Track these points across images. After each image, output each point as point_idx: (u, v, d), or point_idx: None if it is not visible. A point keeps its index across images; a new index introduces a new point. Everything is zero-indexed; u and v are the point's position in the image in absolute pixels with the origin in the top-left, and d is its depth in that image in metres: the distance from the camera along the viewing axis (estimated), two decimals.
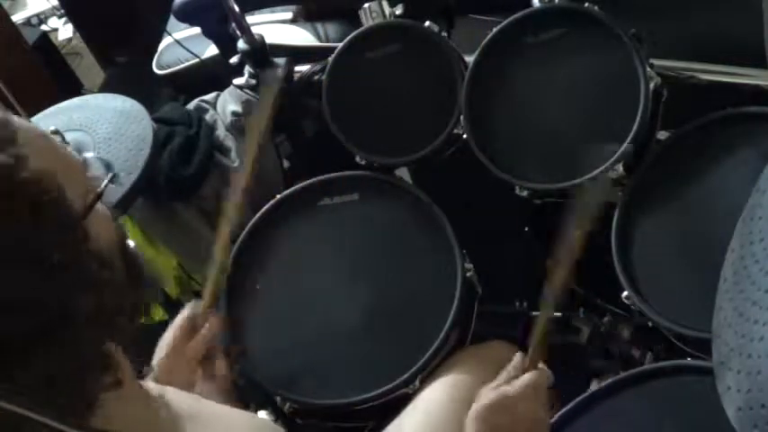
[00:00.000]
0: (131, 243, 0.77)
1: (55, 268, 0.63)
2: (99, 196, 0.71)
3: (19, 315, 0.61)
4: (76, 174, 0.71)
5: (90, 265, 0.66)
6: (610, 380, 1.19)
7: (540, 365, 1.11)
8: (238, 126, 1.96)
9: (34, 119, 1.53)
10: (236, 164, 1.96)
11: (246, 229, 1.56)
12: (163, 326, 1.98)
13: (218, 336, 1.23)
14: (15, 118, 0.68)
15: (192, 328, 1.21)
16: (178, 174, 1.88)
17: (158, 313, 1.98)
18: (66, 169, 0.69)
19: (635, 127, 1.36)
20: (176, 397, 0.84)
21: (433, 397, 1.28)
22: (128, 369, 0.75)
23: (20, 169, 0.63)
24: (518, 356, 1.09)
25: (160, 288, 0.83)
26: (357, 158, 1.59)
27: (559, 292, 1.08)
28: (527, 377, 1.05)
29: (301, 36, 2.14)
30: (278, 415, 1.40)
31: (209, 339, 1.22)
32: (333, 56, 1.61)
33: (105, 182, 0.74)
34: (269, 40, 1.81)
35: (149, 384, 0.84)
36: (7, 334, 0.60)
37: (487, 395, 1.03)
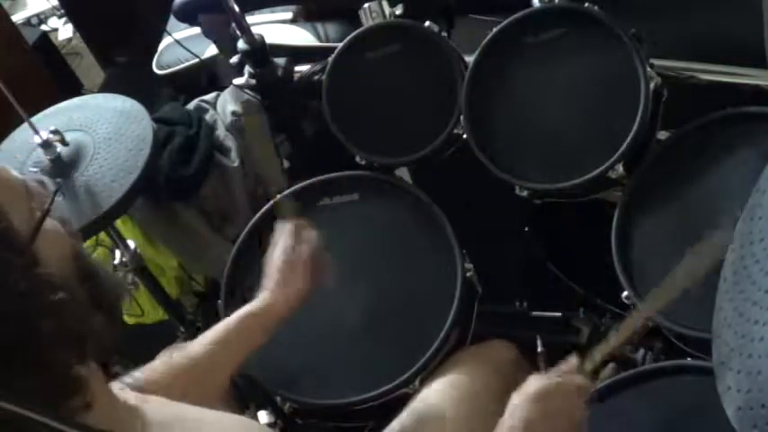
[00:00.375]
0: (85, 256, 0.75)
1: (8, 297, 0.62)
2: (44, 216, 0.69)
3: None
4: (19, 197, 0.69)
5: (43, 291, 0.64)
6: (610, 380, 1.19)
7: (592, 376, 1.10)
8: (238, 126, 1.96)
9: (34, 119, 1.53)
10: (235, 164, 1.96)
11: (246, 229, 1.56)
12: (163, 326, 1.99)
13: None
14: None
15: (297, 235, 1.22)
16: (178, 174, 1.88)
17: (159, 314, 1.99)
18: (6, 194, 0.67)
19: (635, 127, 1.36)
20: (159, 406, 0.84)
21: (433, 397, 1.28)
22: (100, 383, 0.74)
23: None
24: (574, 358, 1.09)
25: (126, 291, 0.81)
26: (357, 158, 1.60)
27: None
28: (579, 378, 1.04)
29: (301, 36, 2.14)
30: (278, 415, 1.40)
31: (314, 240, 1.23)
32: (333, 56, 1.61)
33: (51, 199, 0.72)
34: (269, 40, 1.81)
35: (128, 394, 0.83)
36: None
37: (539, 380, 1.02)
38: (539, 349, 1.38)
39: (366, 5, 1.62)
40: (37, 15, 3.46)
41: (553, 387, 1.00)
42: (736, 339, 0.57)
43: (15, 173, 0.71)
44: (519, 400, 0.99)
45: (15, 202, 0.67)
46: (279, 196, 1.39)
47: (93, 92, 2.89)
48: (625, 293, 1.30)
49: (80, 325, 0.67)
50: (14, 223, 0.65)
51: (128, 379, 0.89)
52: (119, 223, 1.85)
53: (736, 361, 0.57)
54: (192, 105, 2.07)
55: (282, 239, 1.22)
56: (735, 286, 0.61)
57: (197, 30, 2.03)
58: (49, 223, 0.70)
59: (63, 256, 0.70)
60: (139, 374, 1.04)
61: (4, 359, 0.62)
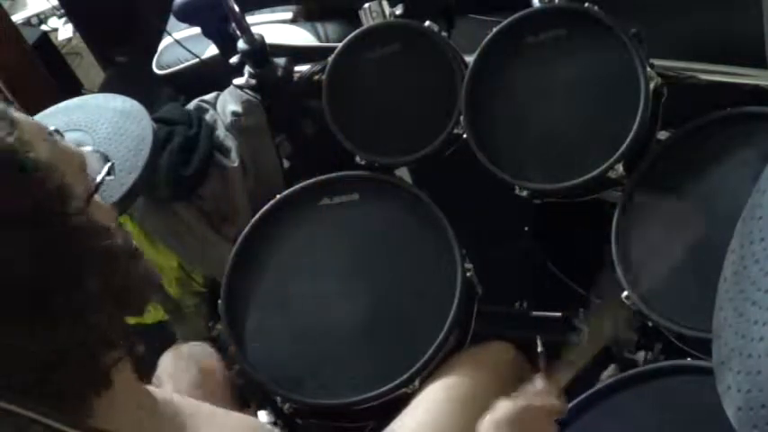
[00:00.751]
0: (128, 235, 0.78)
1: (63, 248, 0.65)
2: (97, 188, 0.72)
3: (17, 285, 0.61)
4: (75, 167, 0.72)
5: (98, 234, 0.68)
6: (610, 380, 1.19)
7: (560, 397, 1.11)
8: (238, 126, 1.96)
9: (34, 119, 1.53)
10: (235, 164, 1.95)
11: (246, 229, 1.56)
12: (163, 326, 1.99)
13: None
14: (15, 112, 0.69)
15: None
16: (178, 174, 1.88)
17: (159, 314, 1.99)
18: (66, 162, 0.70)
19: (635, 127, 1.36)
20: (178, 399, 0.84)
21: (433, 397, 1.28)
22: (127, 371, 0.75)
23: (24, 153, 0.65)
24: (541, 380, 1.09)
25: (160, 284, 0.84)
26: (357, 158, 1.59)
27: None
28: (548, 400, 1.05)
29: (301, 36, 2.14)
30: (278, 415, 1.40)
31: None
32: (333, 56, 1.61)
33: (102, 174, 0.75)
34: (269, 40, 1.81)
35: (151, 388, 0.83)
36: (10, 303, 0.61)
37: (507, 405, 1.03)
38: (539, 349, 1.38)
39: (366, 5, 1.62)
40: (37, 15, 3.46)
41: (522, 410, 1.01)
42: (736, 339, 0.57)
43: (73, 145, 0.74)
44: (488, 425, 1.00)
45: (73, 170, 0.71)
46: None
47: (93, 92, 2.89)
48: (625, 293, 1.30)
49: (123, 290, 0.70)
50: (72, 184, 0.68)
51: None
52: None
53: (736, 361, 0.57)
54: (191, 105, 2.07)
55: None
56: (735, 286, 0.61)
57: (197, 30, 2.02)
58: (101, 201, 0.74)
59: (111, 227, 0.73)
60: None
61: (42, 305, 0.63)
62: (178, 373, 1.27)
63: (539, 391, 1.08)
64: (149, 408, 0.78)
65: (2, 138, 0.65)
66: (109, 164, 0.78)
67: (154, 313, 2.00)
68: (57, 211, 0.65)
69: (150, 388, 0.82)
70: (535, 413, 1.02)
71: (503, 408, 1.02)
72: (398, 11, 1.63)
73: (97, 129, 1.59)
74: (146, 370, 0.83)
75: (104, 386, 0.67)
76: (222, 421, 0.87)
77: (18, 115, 0.69)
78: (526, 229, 1.79)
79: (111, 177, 0.75)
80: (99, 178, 0.75)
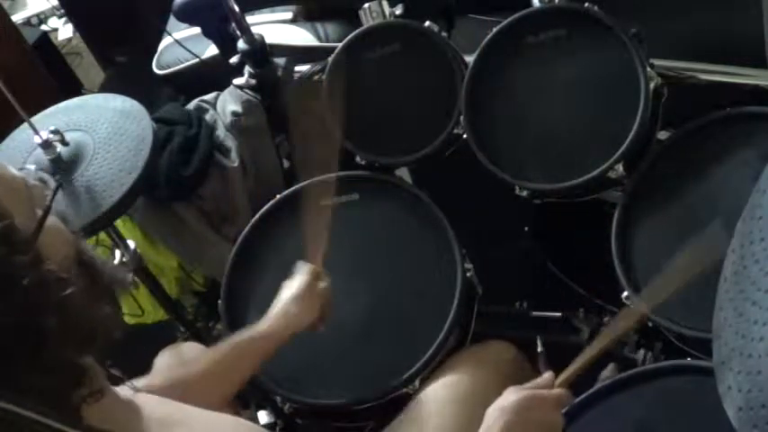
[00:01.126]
0: (86, 252, 0.75)
1: (13, 294, 0.62)
2: (47, 213, 0.70)
3: None
4: (20, 195, 0.69)
5: (48, 287, 0.64)
6: (610, 380, 1.19)
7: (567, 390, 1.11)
8: (238, 126, 1.97)
9: (34, 119, 1.53)
10: (235, 164, 1.96)
11: (246, 229, 1.56)
12: (163, 326, 1.99)
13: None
14: None
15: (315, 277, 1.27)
16: (178, 174, 1.88)
17: (159, 314, 1.99)
18: (8, 193, 0.67)
19: (635, 127, 1.36)
20: (157, 403, 0.84)
21: (434, 398, 1.28)
22: (100, 381, 0.74)
23: None
24: (549, 373, 1.10)
25: (127, 284, 0.81)
26: (357, 158, 1.59)
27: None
28: (556, 391, 1.05)
29: (301, 36, 2.14)
30: (278, 415, 1.40)
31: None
32: (333, 56, 1.61)
33: (51, 196, 0.72)
34: (269, 40, 1.81)
35: (126, 392, 0.83)
36: None
37: (514, 392, 1.03)
38: (539, 349, 1.38)
39: (366, 5, 1.62)
40: (37, 15, 3.46)
41: (529, 398, 1.01)
42: (737, 339, 0.57)
43: (15, 171, 0.71)
44: (496, 411, 1.00)
45: (17, 200, 0.67)
46: None
47: (93, 92, 2.89)
48: (625, 293, 1.30)
49: (84, 321, 0.67)
50: (17, 221, 0.64)
51: (127, 385, 0.89)
52: (119, 223, 1.85)
53: (737, 361, 0.57)
54: (191, 105, 2.07)
55: (302, 276, 1.26)
56: (735, 286, 0.61)
57: (197, 30, 2.03)
58: (51, 221, 0.70)
59: (65, 254, 0.71)
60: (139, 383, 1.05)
61: (9, 356, 0.62)
62: (173, 372, 1.26)
63: (547, 381, 1.08)
64: (130, 415, 0.77)
65: None
66: (54, 185, 0.75)
67: (154, 313, 2.00)
68: (3, 257, 0.62)
69: (127, 394, 0.81)
70: (541, 401, 1.03)
71: (510, 395, 1.02)
72: (398, 11, 1.63)
73: (97, 129, 1.59)
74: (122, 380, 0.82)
75: (74, 423, 0.66)
76: (206, 422, 0.87)
77: None
78: (526, 229, 1.79)
79: (60, 197, 0.71)
80: (48, 203, 0.71)
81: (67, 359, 0.66)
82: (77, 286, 0.68)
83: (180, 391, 1.04)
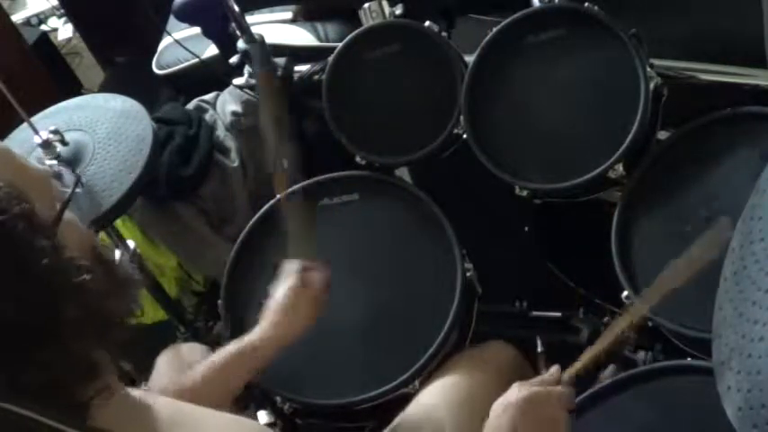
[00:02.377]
0: (101, 247, 0.76)
1: (36, 278, 0.63)
2: (66, 204, 0.71)
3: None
4: (41, 186, 0.70)
5: (68, 272, 0.65)
6: (610, 380, 1.19)
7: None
8: (238, 126, 1.97)
9: (34, 119, 1.53)
10: (235, 164, 1.96)
11: (246, 228, 1.56)
12: (163, 326, 1.99)
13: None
14: None
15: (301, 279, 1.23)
16: (178, 174, 1.88)
17: (159, 314, 1.98)
18: (30, 182, 0.68)
19: (635, 127, 1.36)
20: (167, 404, 0.84)
21: (434, 398, 1.28)
22: (112, 379, 0.74)
23: None
24: (556, 368, 1.10)
25: (140, 281, 0.81)
26: (357, 158, 1.59)
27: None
28: (561, 388, 1.05)
29: (301, 36, 2.14)
30: (278, 415, 1.40)
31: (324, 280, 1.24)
32: (333, 56, 1.61)
33: (72, 187, 0.73)
34: (269, 40, 1.81)
35: (136, 392, 0.83)
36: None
37: (519, 388, 1.03)
38: (539, 349, 1.38)
39: (366, 5, 1.62)
40: (37, 15, 3.46)
41: (534, 395, 1.01)
42: (737, 339, 0.57)
43: (37, 164, 0.72)
44: (502, 406, 1.00)
45: (39, 191, 0.69)
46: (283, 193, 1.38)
47: (93, 92, 2.89)
48: (625, 293, 1.30)
49: (101, 311, 0.68)
50: (38, 208, 0.66)
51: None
52: (119, 223, 1.85)
53: (736, 361, 0.57)
54: (191, 105, 2.07)
55: (290, 279, 1.23)
56: (735, 286, 0.61)
57: (197, 30, 2.03)
58: (69, 215, 0.72)
59: (81, 248, 0.71)
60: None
61: (23, 341, 0.62)
62: (173, 372, 1.27)
63: (553, 377, 1.08)
64: (140, 413, 0.78)
65: None
66: (74, 178, 0.76)
67: (154, 313, 2.00)
68: (24, 238, 0.63)
69: (137, 393, 0.82)
70: (547, 397, 1.03)
71: (516, 390, 1.03)
72: (398, 11, 1.63)
73: (97, 129, 1.59)
74: (135, 381, 0.82)
75: (85, 417, 0.66)
76: (212, 422, 0.87)
77: None
78: (526, 229, 1.78)
79: (79, 190, 0.73)
80: (68, 195, 0.73)
81: (81, 351, 0.66)
82: (96, 276, 0.69)
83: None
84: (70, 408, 0.65)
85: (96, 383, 0.67)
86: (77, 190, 0.69)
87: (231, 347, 1.19)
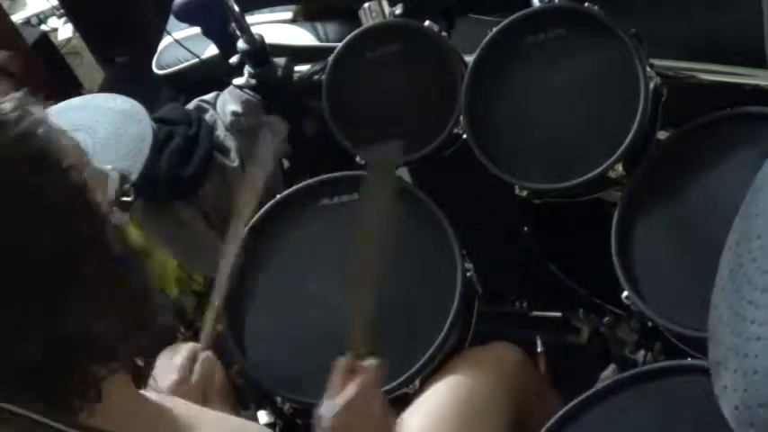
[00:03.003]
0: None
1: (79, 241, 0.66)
2: (114, 204, 0.72)
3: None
4: (99, 182, 0.74)
5: (91, 212, 0.69)
6: (610, 380, 1.19)
7: (370, 362, 1.10)
8: (238, 126, 1.96)
9: None
10: (235, 164, 1.96)
11: (246, 228, 1.56)
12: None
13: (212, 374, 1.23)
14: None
15: (190, 369, 1.20)
16: (178, 174, 1.88)
17: None
18: (92, 176, 0.71)
19: (635, 127, 1.36)
20: (183, 405, 0.84)
21: (434, 398, 1.28)
22: (124, 382, 0.75)
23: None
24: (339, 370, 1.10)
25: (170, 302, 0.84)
26: (357, 158, 1.59)
27: None
28: (356, 383, 1.07)
29: (301, 36, 2.14)
30: (278, 415, 1.40)
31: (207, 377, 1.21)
32: (333, 56, 1.61)
33: (115, 189, 0.76)
34: (269, 40, 1.81)
35: (150, 393, 0.83)
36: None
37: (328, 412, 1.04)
38: (539, 349, 1.38)
39: (366, 5, 1.62)
40: (37, 15, 3.46)
41: (343, 413, 1.03)
42: (733, 339, 0.57)
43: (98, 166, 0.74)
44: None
45: (97, 185, 0.72)
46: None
47: (93, 92, 2.89)
48: (625, 293, 1.30)
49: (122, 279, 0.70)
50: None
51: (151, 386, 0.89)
52: None
53: (733, 360, 0.57)
54: (191, 105, 2.07)
55: (173, 372, 1.19)
56: (731, 284, 0.61)
57: (197, 30, 2.03)
58: (118, 215, 0.74)
59: (128, 239, 0.74)
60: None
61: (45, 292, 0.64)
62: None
63: (341, 378, 1.09)
64: (143, 410, 0.78)
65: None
66: (121, 180, 0.79)
67: None
68: (88, 206, 0.67)
69: (143, 392, 0.82)
70: (355, 407, 1.04)
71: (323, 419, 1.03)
72: (398, 11, 1.63)
73: (97, 129, 1.59)
74: (142, 378, 0.83)
75: (93, 398, 0.67)
76: (216, 424, 0.87)
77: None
78: (526, 229, 1.78)
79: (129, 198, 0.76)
80: (114, 190, 0.77)
81: (112, 325, 0.67)
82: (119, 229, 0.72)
83: None
84: (71, 408, 0.65)
85: (108, 365, 0.68)
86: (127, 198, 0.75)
87: None
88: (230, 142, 1.97)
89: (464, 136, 1.51)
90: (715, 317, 0.62)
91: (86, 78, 3.20)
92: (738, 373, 0.55)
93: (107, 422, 0.69)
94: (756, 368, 0.53)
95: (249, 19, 1.79)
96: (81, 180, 0.69)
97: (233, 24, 1.75)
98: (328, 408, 1.03)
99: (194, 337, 1.83)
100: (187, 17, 1.93)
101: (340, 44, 1.62)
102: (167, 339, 0.78)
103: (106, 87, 2.95)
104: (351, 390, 1.05)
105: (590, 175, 1.38)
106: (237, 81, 1.88)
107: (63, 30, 3.41)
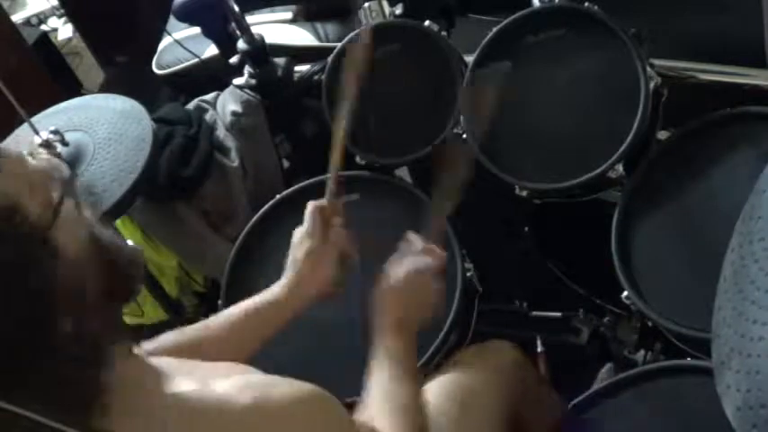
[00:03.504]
0: (105, 232, 0.75)
1: (29, 296, 0.63)
2: (61, 201, 0.69)
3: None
4: (36, 185, 0.68)
5: (63, 287, 0.65)
6: (610, 380, 1.19)
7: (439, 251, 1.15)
8: (238, 126, 1.97)
9: (34, 119, 1.53)
10: (235, 164, 1.96)
11: (246, 228, 1.56)
12: (163, 326, 1.99)
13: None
14: None
15: (324, 219, 1.19)
16: (178, 174, 1.88)
17: (158, 314, 1.99)
18: (23, 184, 0.67)
19: (635, 127, 1.36)
20: (171, 362, 0.85)
21: (434, 397, 1.28)
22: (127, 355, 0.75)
23: None
24: (415, 237, 1.16)
25: (142, 265, 0.80)
26: (357, 158, 1.59)
27: None
28: (429, 261, 1.12)
29: (301, 36, 2.14)
30: None
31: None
32: (332, 56, 1.61)
33: (67, 184, 0.72)
34: (269, 40, 1.81)
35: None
36: None
37: (392, 274, 1.10)
38: (539, 349, 1.38)
39: (366, 5, 1.62)
40: (37, 15, 3.46)
41: (406, 278, 1.10)
42: (736, 339, 0.57)
43: (32, 160, 0.71)
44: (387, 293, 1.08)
45: (33, 190, 0.67)
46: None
47: (93, 92, 2.89)
48: (625, 293, 1.30)
49: (98, 323, 0.68)
50: (32, 212, 0.65)
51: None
52: (119, 223, 1.85)
53: (736, 361, 0.57)
54: (191, 105, 2.07)
55: (310, 223, 1.18)
56: (734, 286, 0.61)
57: (197, 30, 2.03)
58: (66, 207, 0.70)
59: (81, 240, 0.70)
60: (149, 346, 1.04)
61: (20, 359, 0.62)
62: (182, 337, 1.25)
63: (419, 251, 1.13)
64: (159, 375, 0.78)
65: None
66: (72, 173, 0.75)
67: (154, 313, 2.00)
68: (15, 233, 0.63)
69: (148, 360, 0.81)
70: (419, 277, 1.09)
71: (387, 278, 1.08)
72: (398, 10, 1.63)
73: (97, 129, 1.59)
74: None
75: (98, 411, 0.66)
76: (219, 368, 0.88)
77: None
78: (526, 229, 1.78)
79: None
80: (61, 192, 0.71)
81: (78, 365, 0.66)
82: (92, 278, 0.69)
83: (187, 356, 1.03)
84: (71, 408, 0.65)
85: (101, 375, 0.67)
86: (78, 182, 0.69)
87: (252, 303, 1.14)
88: (230, 142, 1.97)
89: (464, 136, 1.51)
90: (719, 318, 0.62)
91: (86, 78, 3.20)
92: (741, 373, 0.55)
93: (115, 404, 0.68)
94: (759, 368, 0.54)
95: (249, 19, 1.79)
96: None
97: (233, 24, 1.75)
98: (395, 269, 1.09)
99: None
100: (187, 17, 1.93)
101: (340, 44, 1.62)
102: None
103: (106, 87, 2.95)
104: (422, 262, 1.10)
105: (590, 175, 1.38)
106: (237, 81, 1.88)
107: (63, 30, 3.41)
